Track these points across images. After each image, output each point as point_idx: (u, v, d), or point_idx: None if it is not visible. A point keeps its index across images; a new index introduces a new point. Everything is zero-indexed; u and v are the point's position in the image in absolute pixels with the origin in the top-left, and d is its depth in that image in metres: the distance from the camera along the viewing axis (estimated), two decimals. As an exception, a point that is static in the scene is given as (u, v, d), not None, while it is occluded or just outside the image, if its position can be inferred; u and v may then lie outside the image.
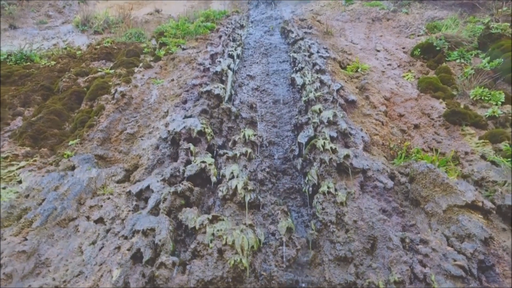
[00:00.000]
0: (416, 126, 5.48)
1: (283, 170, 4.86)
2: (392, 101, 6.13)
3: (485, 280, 2.83)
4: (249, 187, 3.93)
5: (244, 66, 8.23)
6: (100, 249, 3.37)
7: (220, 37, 9.49)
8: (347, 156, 4.09)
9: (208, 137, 4.89)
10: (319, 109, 5.30)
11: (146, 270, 2.91)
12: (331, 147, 4.28)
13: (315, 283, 3.05)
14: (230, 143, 5.06)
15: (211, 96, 5.92)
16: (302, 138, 4.94)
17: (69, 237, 3.63)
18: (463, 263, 2.86)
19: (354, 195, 3.67)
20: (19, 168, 5.11)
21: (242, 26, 11.36)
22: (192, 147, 4.62)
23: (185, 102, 6.21)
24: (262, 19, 12.46)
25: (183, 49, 8.99)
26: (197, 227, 3.28)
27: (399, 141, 5.20)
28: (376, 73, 7.10)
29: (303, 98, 5.99)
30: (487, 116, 5.32)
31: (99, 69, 7.91)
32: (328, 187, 3.79)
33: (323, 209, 3.60)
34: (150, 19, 12.82)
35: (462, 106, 5.60)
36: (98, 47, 9.36)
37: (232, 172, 4.19)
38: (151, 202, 3.79)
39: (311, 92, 5.93)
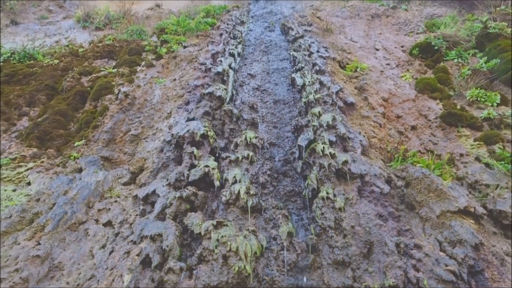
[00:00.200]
0: (413, 128, 5.60)
1: (284, 172, 5.01)
2: (390, 102, 6.25)
3: (474, 284, 3.00)
4: (251, 192, 4.10)
5: (245, 64, 8.31)
6: (110, 253, 3.55)
7: (221, 34, 9.54)
8: (345, 162, 4.24)
9: (211, 140, 5.03)
10: (319, 112, 5.43)
11: (155, 275, 3.08)
12: (330, 152, 4.43)
13: (314, 286, 3.23)
14: (232, 145, 5.20)
15: (213, 97, 6.03)
16: (302, 141, 5.07)
17: (80, 240, 3.81)
18: (454, 268, 3.03)
19: (352, 200, 3.84)
20: (28, 169, 5.27)
21: (242, 22, 11.38)
22: (195, 150, 4.76)
23: (187, 103, 6.32)
24: (262, 14, 12.47)
25: (184, 46, 9.06)
26: (202, 232, 3.45)
27: (396, 143, 5.33)
28: (375, 73, 7.19)
29: (303, 99, 6.11)
30: (482, 117, 5.45)
31: (102, 68, 8.00)
32: (327, 193, 3.95)
33: (322, 214, 3.77)
34: (151, 14, 12.83)
35: (458, 107, 5.72)
36: (100, 44, 9.42)
37: (234, 176, 4.35)
38: (157, 207, 3.96)
39: (311, 93, 6.04)
